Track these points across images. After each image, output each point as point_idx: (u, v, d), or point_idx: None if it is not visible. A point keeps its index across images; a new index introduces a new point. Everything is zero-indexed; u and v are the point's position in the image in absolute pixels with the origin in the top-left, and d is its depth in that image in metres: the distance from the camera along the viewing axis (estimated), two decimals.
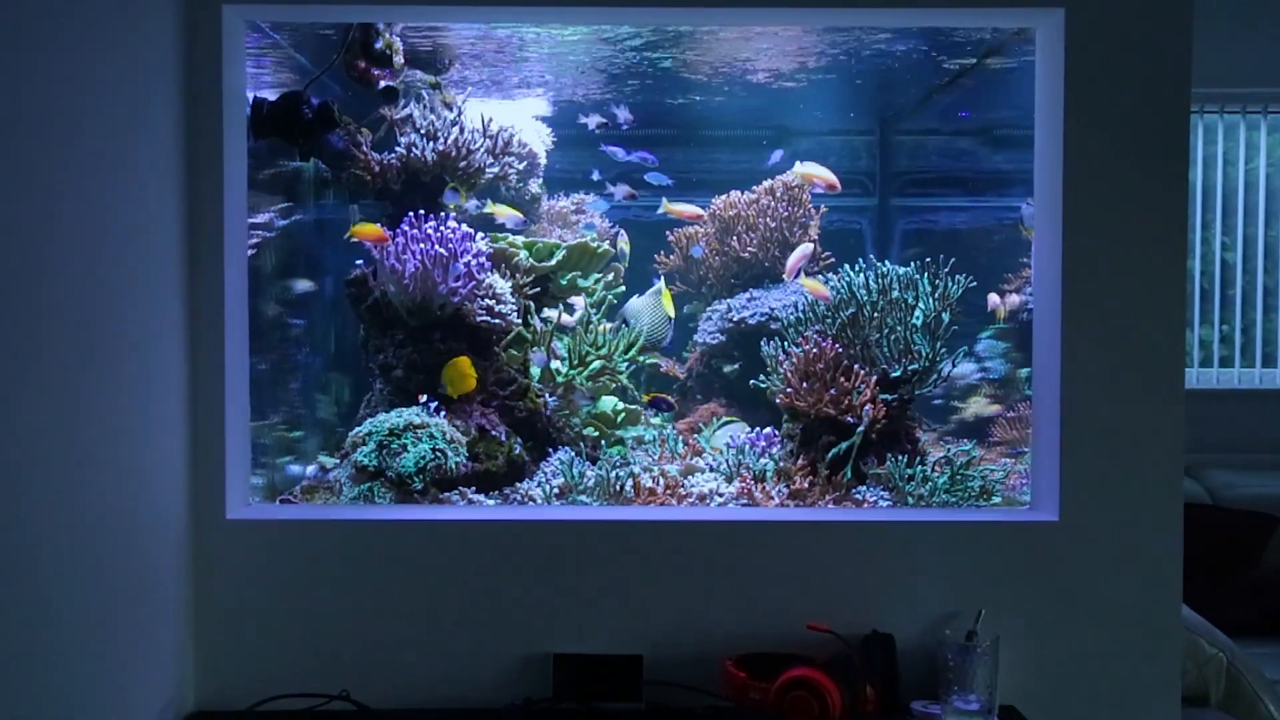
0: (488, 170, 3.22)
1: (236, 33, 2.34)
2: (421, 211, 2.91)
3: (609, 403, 3.52)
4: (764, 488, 2.72)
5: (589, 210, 3.61)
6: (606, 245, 3.54)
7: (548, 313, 3.29)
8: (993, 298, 3.21)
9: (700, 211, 3.65)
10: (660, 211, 3.47)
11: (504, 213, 3.22)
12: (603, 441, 3.25)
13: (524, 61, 3.08)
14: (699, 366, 3.96)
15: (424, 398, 2.78)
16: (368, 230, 2.80)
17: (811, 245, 3.26)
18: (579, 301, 3.41)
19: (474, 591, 2.29)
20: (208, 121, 2.27)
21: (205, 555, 2.29)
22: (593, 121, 3.33)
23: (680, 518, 2.39)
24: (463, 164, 3.14)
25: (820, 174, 3.22)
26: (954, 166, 3.68)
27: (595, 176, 3.54)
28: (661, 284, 3.37)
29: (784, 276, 3.33)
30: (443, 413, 2.80)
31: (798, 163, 3.33)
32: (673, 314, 3.35)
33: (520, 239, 3.44)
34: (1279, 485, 4.76)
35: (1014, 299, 3.28)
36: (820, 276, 3.33)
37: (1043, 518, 2.33)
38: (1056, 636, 2.29)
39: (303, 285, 3.10)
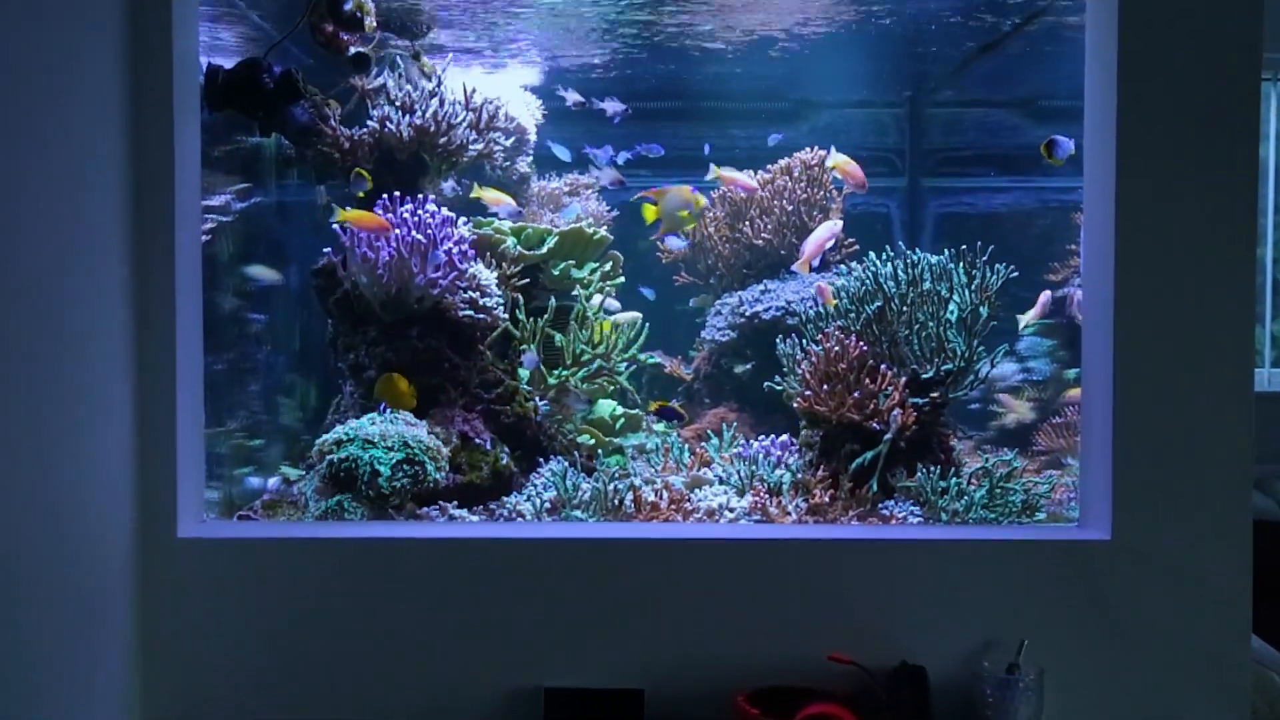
0: (471, 147, 3.21)
1: None
2: (397, 194, 2.89)
3: (606, 407, 3.50)
4: (780, 502, 2.70)
5: (600, 168, 3.55)
6: (603, 231, 3.53)
7: (595, 301, 3.25)
8: (1045, 297, 3.18)
9: (755, 184, 3.62)
10: (710, 178, 3.45)
11: (494, 198, 3.20)
12: (599, 450, 3.24)
13: (512, 23, 3.06)
14: (707, 367, 3.93)
15: (384, 406, 2.77)
16: (362, 218, 2.77)
17: (838, 224, 3.22)
18: (606, 302, 3.40)
19: (456, 618, 2.28)
20: (156, 91, 2.24)
21: (154, 578, 2.28)
22: (570, 98, 3.32)
23: (686, 535, 2.38)
24: (443, 140, 3.12)
25: (853, 170, 3.20)
26: (993, 142, 3.66)
27: (595, 153, 3.52)
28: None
29: (796, 267, 3.29)
30: (413, 422, 2.79)
31: (832, 149, 3.30)
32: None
33: (508, 224, 3.43)
34: None
35: (1073, 292, 3.23)
36: (842, 266, 3.31)
37: (1093, 536, 2.31)
38: (1108, 670, 2.27)
39: (264, 276, 3.08)
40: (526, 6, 2.94)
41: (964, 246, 2.85)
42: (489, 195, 3.21)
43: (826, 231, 3.22)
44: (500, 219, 3.29)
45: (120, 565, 2.22)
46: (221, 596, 2.28)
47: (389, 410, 2.74)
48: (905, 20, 2.98)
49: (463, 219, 3.03)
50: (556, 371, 3.20)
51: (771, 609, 2.27)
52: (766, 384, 3.06)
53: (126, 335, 2.23)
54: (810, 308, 3.04)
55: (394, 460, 2.59)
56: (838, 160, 3.24)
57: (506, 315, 3.13)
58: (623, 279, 3.67)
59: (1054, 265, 3.34)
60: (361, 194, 2.93)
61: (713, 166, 3.45)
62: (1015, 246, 2.95)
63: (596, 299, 3.35)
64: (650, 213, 3.16)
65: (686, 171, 3.54)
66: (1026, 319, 3.15)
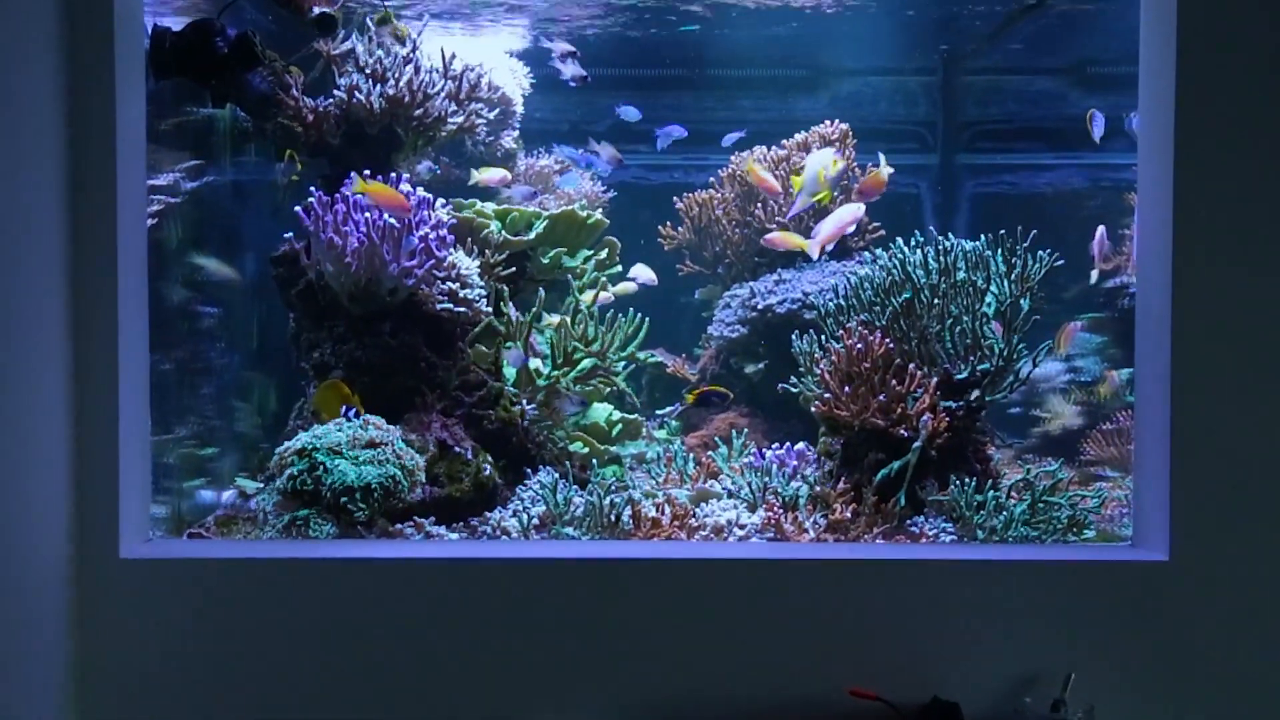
0: (450, 120, 3.20)
1: None
2: (367, 172, 2.88)
3: (602, 411, 3.50)
4: (796, 518, 2.70)
5: (598, 149, 3.54)
6: (599, 214, 3.52)
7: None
8: (1073, 327, 3.16)
9: (778, 186, 3.63)
10: (735, 167, 3.46)
11: (489, 178, 3.20)
12: (594, 460, 3.23)
13: None
14: (714, 366, 3.93)
15: (350, 410, 2.76)
16: (382, 192, 2.75)
17: (860, 209, 3.21)
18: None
19: (432, 648, 2.26)
20: (94, 55, 2.22)
21: (93, 604, 2.26)
22: (569, 72, 3.31)
23: (691, 555, 2.37)
24: (418, 112, 3.12)
25: (879, 184, 3.20)
26: (1036, 114, 3.65)
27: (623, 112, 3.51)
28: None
29: (810, 249, 3.26)
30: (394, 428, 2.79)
31: (881, 159, 3.29)
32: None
33: (491, 206, 3.42)
34: None
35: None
36: (865, 253, 3.29)
37: (1149, 557, 2.30)
38: (1165, 706, 2.25)
39: (217, 265, 3.07)
40: None
41: (1003, 231, 2.84)
42: (488, 175, 3.21)
43: (849, 214, 3.20)
44: (515, 202, 3.29)
45: (54, 590, 2.19)
46: (169, 625, 2.26)
47: (356, 414, 2.73)
48: None
49: (441, 201, 3.01)
50: (537, 365, 3.19)
51: (787, 638, 2.26)
52: (781, 385, 3.05)
53: (62, 331, 2.21)
54: (830, 300, 3.03)
55: (365, 472, 2.58)
56: (884, 174, 3.22)
57: (490, 308, 3.12)
58: (620, 268, 3.67)
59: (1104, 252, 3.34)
60: (294, 178, 2.93)
61: (742, 158, 3.43)
62: (1061, 231, 2.94)
63: (588, 295, 3.35)
64: (797, 181, 3.17)
65: (697, 147, 3.55)
66: (1056, 346, 3.16)
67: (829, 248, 3.25)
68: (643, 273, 3.48)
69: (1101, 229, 3.14)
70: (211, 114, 2.96)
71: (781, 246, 3.27)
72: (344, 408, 2.76)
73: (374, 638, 2.26)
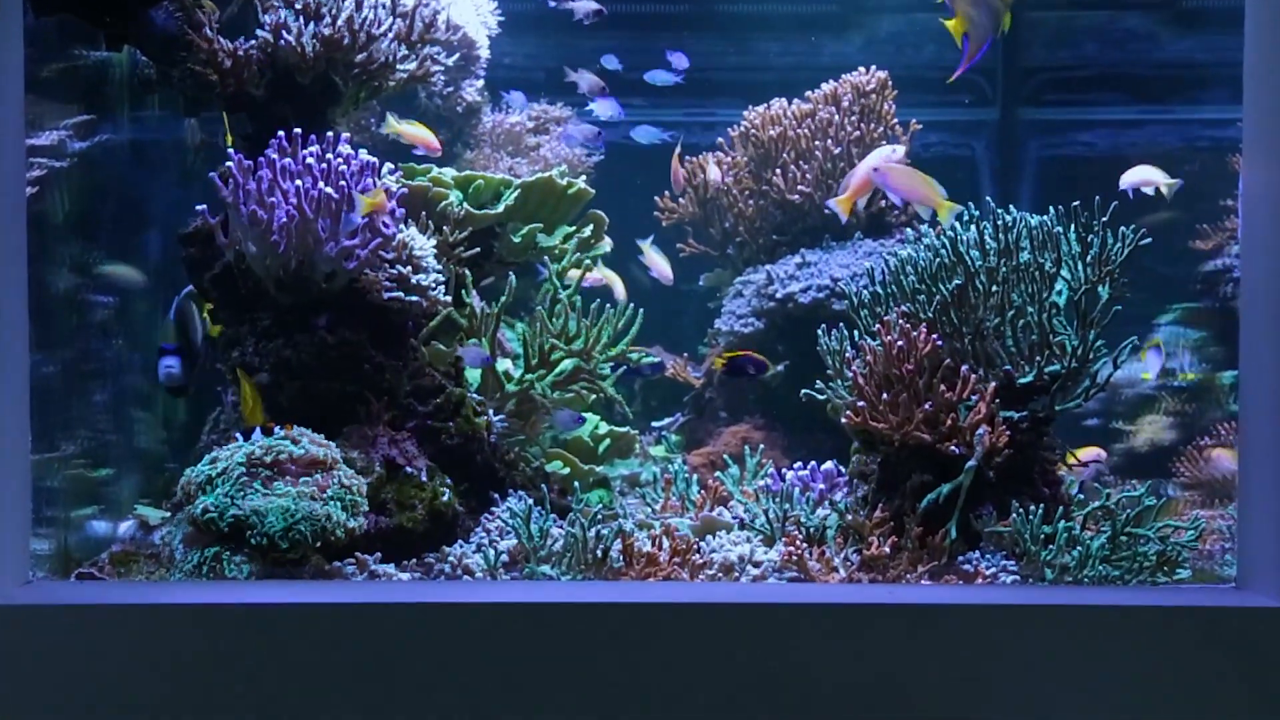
0: (399, 67, 3.18)
1: None
2: (298, 130, 2.87)
3: (586, 423, 3.50)
4: (823, 553, 2.69)
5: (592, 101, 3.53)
6: (581, 183, 3.52)
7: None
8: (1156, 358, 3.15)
9: (718, 173, 3.60)
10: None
11: (417, 136, 3.18)
12: (576, 483, 3.24)
13: None
14: (723, 368, 3.93)
15: (277, 428, 2.75)
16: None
17: (899, 149, 3.16)
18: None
19: (378, 709, 2.25)
20: None
21: None
22: (581, 8, 3.31)
23: (695, 599, 2.36)
24: (360, 57, 3.10)
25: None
26: (1118, 59, 3.64)
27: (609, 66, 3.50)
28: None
29: (834, 204, 3.21)
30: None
31: (891, 147, 3.24)
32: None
33: (450, 172, 3.41)
34: None
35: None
36: (907, 230, 3.29)
37: (1257, 601, 2.29)
38: None
39: (113, 243, 3.05)
40: None
41: (1077, 203, 2.83)
42: (408, 131, 3.20)
43: (880, 160, 3.17)
44: (574, 146, 3.28)
45: None
46: (52, 685, 2.24)
47: (282, 429, 2.73)
48: None
49: (388, 166, 3.00)
50: (506, 367, 3.19)
51: (812, 698, 2.24)
52: (804, 392, 3.03)
53: None
54: (865, 287, 3.02)
55: (291, 508, 2.57)
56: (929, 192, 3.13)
57: (449, 298, 3.11)
58: (606, 247, 3.66)
59: (1202, 228, 3.33)
60: (228, 140, 2.93)
61: (756, 113, 3.38)
62: (1149, 202, 2.94)
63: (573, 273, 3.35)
64: (957, 26, 3.07)
65: (705, 99, 3.54)
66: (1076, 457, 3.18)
67: (861, 202, 3.22)
68: (657, 264, 3.46)
69: (1138, 173, 3.11)
70: (105, 58, 2.95)
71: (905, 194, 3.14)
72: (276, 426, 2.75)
73: (304, 699, 2.25)
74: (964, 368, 2.78)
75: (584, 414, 3.38)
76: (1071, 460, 3.09)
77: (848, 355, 2.92)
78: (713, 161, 4.00)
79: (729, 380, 3.77)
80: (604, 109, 3.49)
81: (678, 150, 3.68)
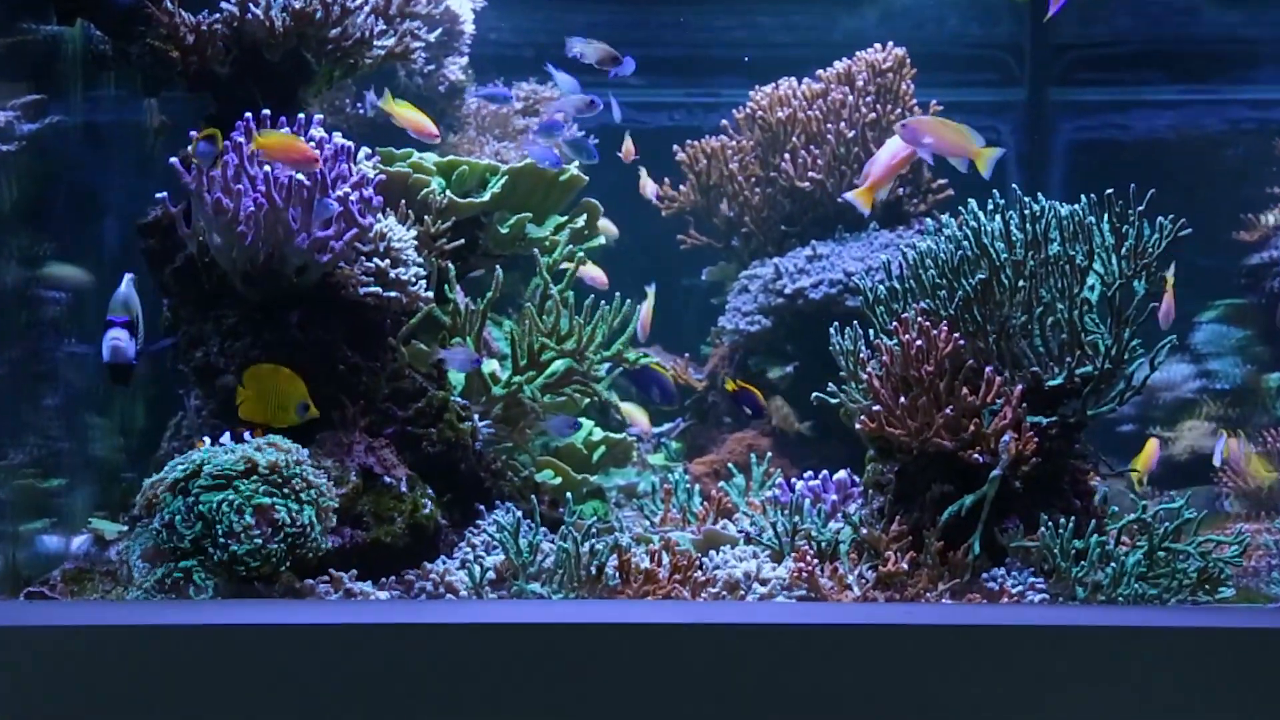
0: (376, 43, 3.19)
1: None
2: (267, 112, 2.86)
3: (580, 429, 3.49)
4: (835, 569, 2.69)
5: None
6: (574, 169, 3.52)
7: None
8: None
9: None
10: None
11: (413, 122, 3.17)
12: (569, 494, 3.21)
13: None
14: (727, 369, 3.93)
15: (248, 434, 2.75)
16: (281, 145, 2.72)
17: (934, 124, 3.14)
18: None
19: None
20: None
21: None
22: None
23: (697, 619, 2.35)
24: (334, 33, 3.10)
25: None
26: (1157, 34, 3.63)
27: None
28: None
29: (852, 196, 3.20)
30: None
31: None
32: None
33: (432, 158, 3.41)
34: None
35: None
36: (928, 220, 3.29)
37: None
38: None
39: (67, 237, 3.05)
40: None
41: (1110, 190, 2.83)
42: (403, 112, 3.19)
43: (904, 147, 3.17)
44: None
45: None
46: (2, 713, 2.24)
47: (254, 434, 2.73)
48: None
49: (365, 150, 3.01)
50: (493, 368, 3.18)
51: None
52: (816, 395, 3.03)
53: None
54: (881, 282, 3.02)
55: (262, 508, 2.57)
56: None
57: (431, 293, 3.11)
58: (600, 240, 3.66)
59: (1247, 218, 3.33)
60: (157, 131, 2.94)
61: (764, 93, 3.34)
62: (1189, 189, 2.93)
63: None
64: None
65: (704, 78, 3.53)
66: (1138, 468, 3.18)
67: (882, 194, 3.23)
68: (589, 271, 3.45)
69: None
70: (57, 33, 2.95)
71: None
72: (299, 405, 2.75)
73: None
74: (988, 369, 2.78)
75: (578, 419, 3.38)
76: (1135, 472, 3.10)
77: (862, 356, 2.92)
78: (646, 176, 3.98)
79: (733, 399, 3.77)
80: (627, 68, 3.45)
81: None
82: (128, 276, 2.85)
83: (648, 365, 3.33)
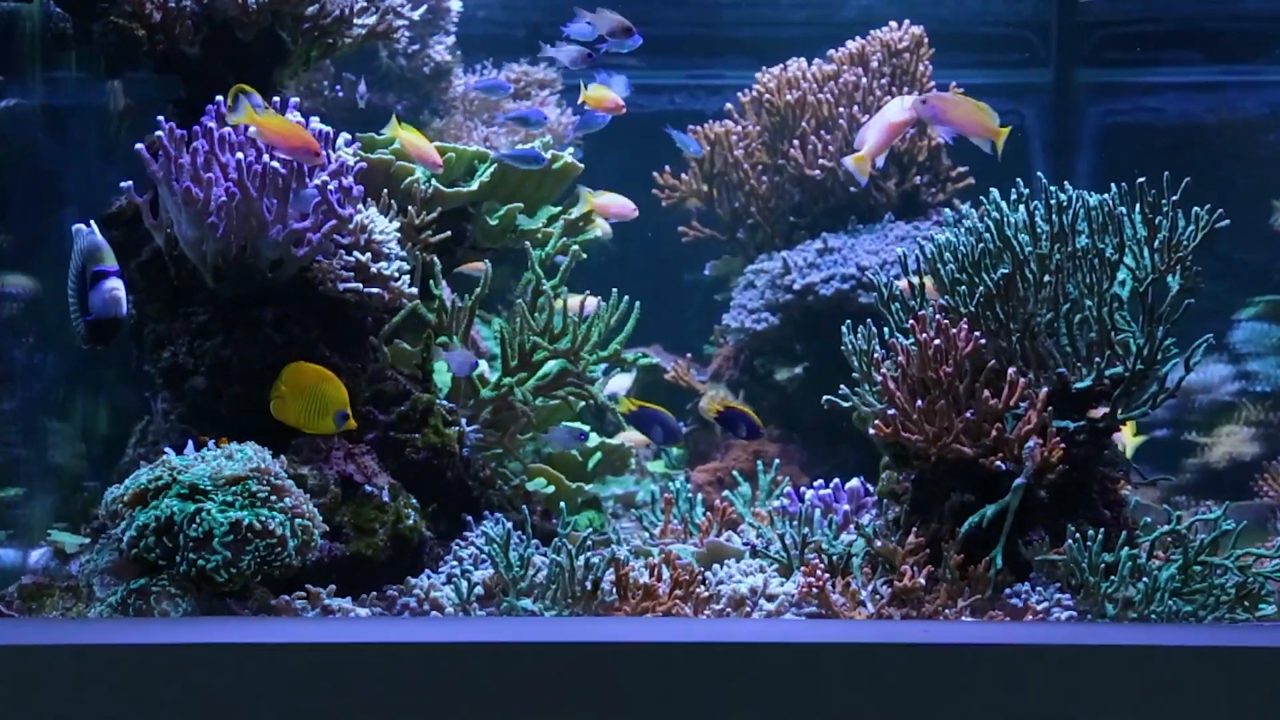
0: (357, 21, 3.20)
1: None
2: (248, 91, 2.86)
3: (586, 440, 3.49)
4: (848, 584, 2.69)
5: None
6: (568, 156, 3.52)
7: None
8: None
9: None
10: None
11: (416, 147, 3.18)
12: (563, 504, 3.22)
13: None
14: (732, 370, 3.94)
15: (212, 442, 2.74)
16: (277, 127, 2.70)
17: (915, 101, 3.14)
18: None
19: None
20: None
21: None
22: None
23: (700, 638, 2.37)
24: (312, 9, 3.11)
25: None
26: (1194, 11, 3.61)
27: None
28: None
29: (850, 162, 3.18)
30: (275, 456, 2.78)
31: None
32: None
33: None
34: None
35: None
36: (946, 211, 3.30)
37: None
38: None
39: (25, 228, 3.06)
40: None
41: (1143, 179, 2.84)
42: (410, 139, 3.18)
43: (900, 111, 3.16)
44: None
45: None
46: None
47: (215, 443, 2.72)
48: None
49: (345, 137, 3.01)
50: (482, 369, 3.19)
51: None
52: (826, 398, 3.05)
53: None
54: (897, 277, 3.03)
55: (234, 520, 2.58)
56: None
57: (415, 289, 3.12)
58: (597, 232, 3.66)
59: None
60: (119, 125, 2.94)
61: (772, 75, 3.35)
62: (1227, 178, 2.92)
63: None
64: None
65: (707, 59, 3.52)
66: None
67: (880, 161, 3.22)
68: (614, 202, 3.38)
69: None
70: (13, 9, 2.96)
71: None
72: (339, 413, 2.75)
73: None
74: (1011, 370, 2.78)
75: (585, 429, 3.36)
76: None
77: (876, 356, 2.92)
78: (585, 194, 3.90)
79: (743, 383, 3.78)
80: (634, 43, 3.45)
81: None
82: (92, 225, 2.79)
83: (645, 406, 3.30)
